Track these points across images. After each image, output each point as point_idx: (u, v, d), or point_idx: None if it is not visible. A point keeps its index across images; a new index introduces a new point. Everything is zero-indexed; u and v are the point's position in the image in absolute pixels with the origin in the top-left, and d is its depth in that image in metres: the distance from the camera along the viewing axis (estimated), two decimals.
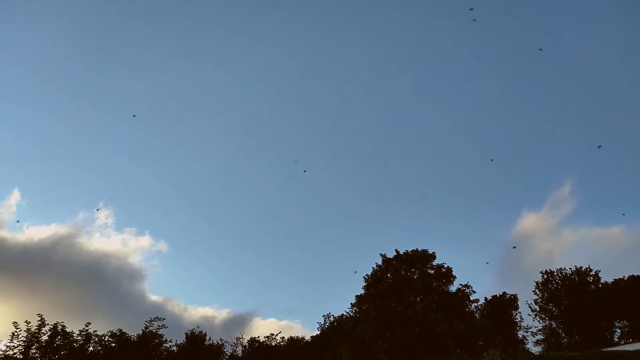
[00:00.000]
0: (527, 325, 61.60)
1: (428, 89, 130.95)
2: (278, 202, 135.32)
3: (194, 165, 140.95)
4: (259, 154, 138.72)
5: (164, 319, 45.34)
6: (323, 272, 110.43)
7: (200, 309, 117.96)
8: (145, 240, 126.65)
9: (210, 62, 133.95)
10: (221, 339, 58.48)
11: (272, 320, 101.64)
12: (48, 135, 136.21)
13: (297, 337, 62.91)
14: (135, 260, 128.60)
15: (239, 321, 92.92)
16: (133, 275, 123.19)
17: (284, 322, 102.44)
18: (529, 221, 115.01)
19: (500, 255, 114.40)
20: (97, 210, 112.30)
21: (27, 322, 39.64)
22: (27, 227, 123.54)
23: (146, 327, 44.39)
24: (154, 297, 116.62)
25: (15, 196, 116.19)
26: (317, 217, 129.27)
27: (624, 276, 60.50)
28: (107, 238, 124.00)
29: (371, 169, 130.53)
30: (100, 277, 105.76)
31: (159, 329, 44.80)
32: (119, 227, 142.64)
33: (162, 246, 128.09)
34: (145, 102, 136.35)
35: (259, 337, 60.45)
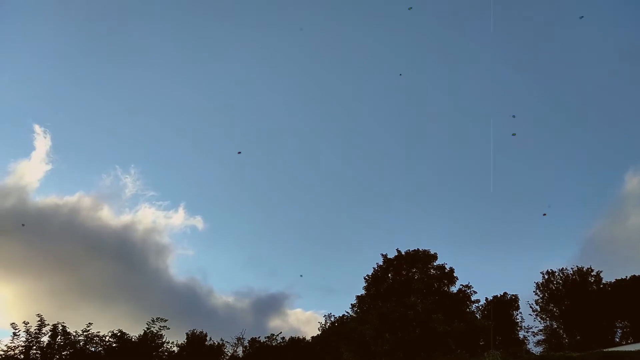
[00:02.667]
0: (528, 325, 61.69)
1: (439, 82, 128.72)
2: (300, 194, 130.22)
3: (238, 140, 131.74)
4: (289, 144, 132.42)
5: (166, 319, 45.20)
6: (349, 265, 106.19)
7: (227, 293, 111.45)
8: (179, 215, 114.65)
9: (246, 54, 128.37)
10: (222, 339, 58.44)
11: (298, 310, 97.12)
12: (82, 96, 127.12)
13: (297, 337, 62.97)
14: (166, 235, 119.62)
15: (265, 308, 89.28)
16: (161, 251, 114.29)
17: (309, 313, 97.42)
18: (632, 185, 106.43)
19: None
20: None
21: (26, 323, 39.59)
22: (51, 193, 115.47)
23: (148, 328, 44.31)
24: (180, 277, 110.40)
25: (43, 145, 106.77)
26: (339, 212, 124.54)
27: (625, 276, 60.48)
28: (136, 210, 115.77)
29: (379, 165, 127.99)
30: (126, 252, 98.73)
31: (160, 329, 44.73)
32: (152, 199, 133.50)
33: (197, 222, 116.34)
34: (186, 74, 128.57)
35: (259, 337, 60.45)
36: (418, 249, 54.99)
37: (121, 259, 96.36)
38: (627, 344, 51.22)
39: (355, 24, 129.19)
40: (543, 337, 60.97)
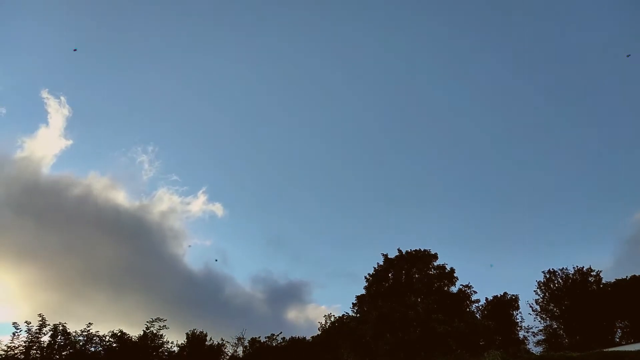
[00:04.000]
0: (528, 325, 61.70)
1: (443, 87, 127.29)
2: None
3: (260, 132, 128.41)
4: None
5: (165, 319, 45.27)
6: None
7: (245, 282, 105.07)
8: (198, 201, 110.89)
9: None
10: (222, 339, 58.42)
11: (312, 305, 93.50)
12: (103, 67, 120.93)
13: (297, 337, 62.90)
14: (184, 221, 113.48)
15: (283, 298, 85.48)
16: (178, 238, 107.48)
17: (322, 307, 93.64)
18: None
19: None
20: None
21: (28, 323, 39.69)
22: (65, 170, 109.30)
23: (147, 328, 44.37)
24: (197, 265, 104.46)
25: (59, 119, 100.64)
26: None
27: (626, 276, 60.46)
28: (154, 194, 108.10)
29: (382, 166, 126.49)
30: (141, 238, 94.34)
31: (159, 329, 44.81)
32: (170, 183, 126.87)
33: (217, 209, 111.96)
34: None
35: (259, 337, 60.42)
36: (419, 249, 55.02)
37: (136, 244, 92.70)
38: (627, 344, 51.16)
39: (360, 24, 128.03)
40: (543, 337, 60.92)
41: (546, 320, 61.71)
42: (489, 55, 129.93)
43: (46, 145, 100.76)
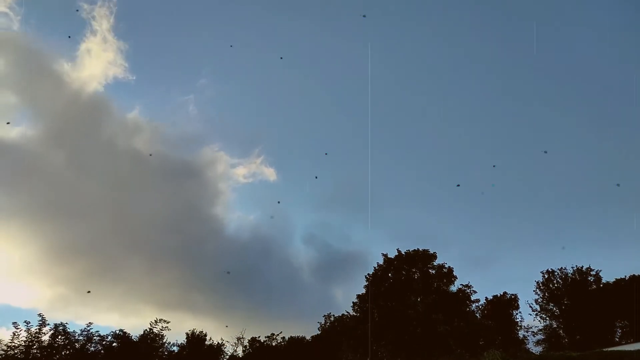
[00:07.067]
0: (528, 325, 61.82)
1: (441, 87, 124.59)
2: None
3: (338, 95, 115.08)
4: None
5: (169, 322, 45.37)
6: None
7: (294, 253, 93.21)
8: (250, 163, 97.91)
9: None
10: (222, 339, 58.51)
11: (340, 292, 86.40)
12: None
13: (297, 336, 62.99)
14: (233, 184, 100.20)
15: (332, 273, 76.92)
16: (225, 202, 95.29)
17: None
18: None
19: None
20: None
21: (27, 322, 39.75)
22: (106, 104, 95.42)
23: (150, 329, 44.48)
24: (244, 233, 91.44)
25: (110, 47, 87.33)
26: None
27: (625, 276, 60.59)
28: (201, 150, 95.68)
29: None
30: (184, 197, 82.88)
31: (161, 330, 44.90)
32: (222, 139, 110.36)
33: (270, 173, 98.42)
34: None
35: (259, 337, 60.51)
36: (418, 249, 55.09)
37: (177, 203, 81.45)
38: (627, 343, 51.21)
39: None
40: (543, 337, 61.03)
41: (546, 320, 61.87)
42: (489, 55, 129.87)
43: (89, 68, 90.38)
